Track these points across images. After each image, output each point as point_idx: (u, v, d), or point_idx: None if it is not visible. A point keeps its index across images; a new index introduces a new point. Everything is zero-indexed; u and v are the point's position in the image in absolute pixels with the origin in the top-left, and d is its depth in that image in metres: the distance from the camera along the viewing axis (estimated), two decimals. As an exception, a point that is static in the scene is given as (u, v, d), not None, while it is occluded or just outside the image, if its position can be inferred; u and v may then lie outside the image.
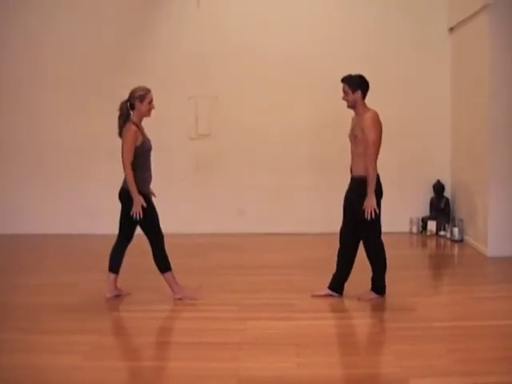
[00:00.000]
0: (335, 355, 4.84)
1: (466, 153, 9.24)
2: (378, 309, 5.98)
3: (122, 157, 6.05)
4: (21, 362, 4.73)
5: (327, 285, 6.37)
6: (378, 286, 6.24)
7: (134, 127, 6.06)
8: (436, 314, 5.85)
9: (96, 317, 5.83)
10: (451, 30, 9.73)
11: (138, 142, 6.07)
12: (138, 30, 10.07)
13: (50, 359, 4.79)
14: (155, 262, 6.26)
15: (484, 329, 5.37)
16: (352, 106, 6.20)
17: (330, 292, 6.33)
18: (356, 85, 6.16)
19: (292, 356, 4.78)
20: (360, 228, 6.19)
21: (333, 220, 9.85)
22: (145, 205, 6.04)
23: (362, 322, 5.66)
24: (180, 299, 6.26)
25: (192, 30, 9.96)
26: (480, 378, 4.33)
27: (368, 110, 6.13)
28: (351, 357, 4.80)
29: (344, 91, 6.21)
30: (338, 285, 6.34)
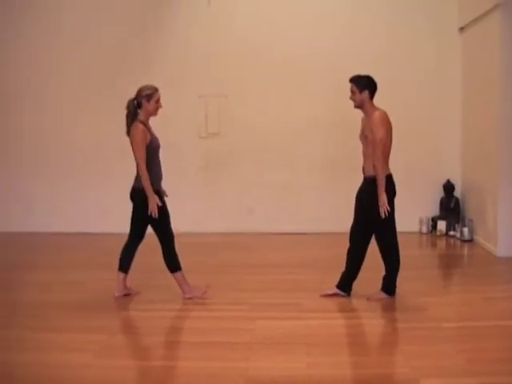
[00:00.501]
0: (345, 355, 4.84)
1: (476, 152, 9.21)
2: (388, 309, 5.96)
3: (135, 156, 6.06)
4: (30, 360, 4.75)
5: (333, 284, 6.36)
6: (389, 286, 6.22)
7: (141, 126, 6.05)
8: (446, 314, 5.83)
9: (105, 315, 5.85)
10: (461, 29, 9.69)
11: (147, 141, 6.07)
12: (147, 29, 10.07)
13: (59, 357, 4.80)
14: (165, 261, 6.25)
15: (494, 329, 5.35)
16: (359, 105, 6.21)
17: (338, 291, 6.32)
18: (363, 85, 6.17)
19: (302, 356, 4.78)
20: (374, 228, 6.19)
21: (342, 219, 9.81)
22: (160, 203, 6.06)
23: (371, 321, 5.65)
24: (190, 298, 6.27)
25: (202, 29, 9.96)
26: (490, 378, 4.32)
27: (376, 109, 6.13)
28: (361, 357, 4.80)
29: (352, 91, 6.22)
30: (346, 284, 6.33)
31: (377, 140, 5.95)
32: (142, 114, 6.13)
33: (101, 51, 10.07)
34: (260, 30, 9.92)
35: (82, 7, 10.12)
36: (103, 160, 10.12)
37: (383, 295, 6.21)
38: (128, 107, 6.14)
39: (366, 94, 6.16)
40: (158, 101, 6.17)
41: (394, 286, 6.23)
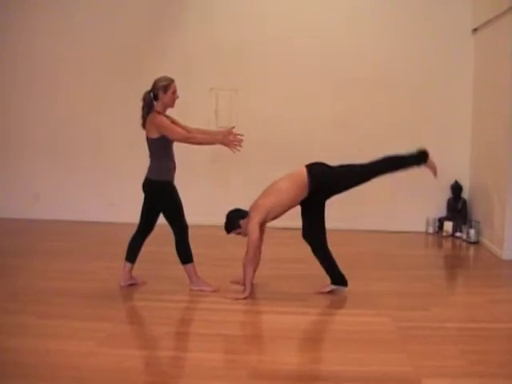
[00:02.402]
0: (348, 351, 4.84)
1: (485, 154, 9.20)
2: (393, 307, 5.95)
3: (176, 139, 6.05)
4: (31, 346, 4.77)
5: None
6: (337, 276, 6.33)
7: (161, 115, 6.07)
8: (450, 315, 5.83)
9: (110, 304, 5.87)
10: (474, 30, 9.67)
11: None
12: (160, 21, 10.10)
13: (61, 344, 4.83)
14: (177, 252, 6.26)
15: (498, 331, 5.36)
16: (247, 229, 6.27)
17: (334, 287, 6.35)
18: (235, 222, 6.34)
19: (305, 350, 4.81)
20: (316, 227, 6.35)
21: (351, 217, 9.88)
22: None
23: (375, 319, 5.63)
24: (198, 291, 6.30)
25: (215, 22, 9.98)
26: (492, 380, 4.33)
27: (247, 222, 6.23)
28: (364, 354, 4.80)
29: (238, 234, 6.38)
30: (336, 276, 6.36)
31: (249, 240, 6.13)
32: (158, 106, 6.11)
33: (113, 43, 10.09)
34: (272, 25, 9.92)
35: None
36: (113, 149, 10.16)
37: (333, 287, 6.34)
38: (144, 99, 6.11)
39: (243, 222, 6.28)
40: (174, 92, 6.15)
41: (342, 275, 6.34)
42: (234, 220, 6.32)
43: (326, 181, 6.21)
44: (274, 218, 6.30)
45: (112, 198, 10.06)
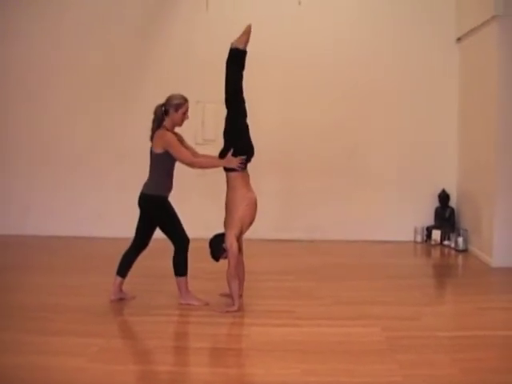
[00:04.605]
0: (339, 362, 4.84)
1: (472, 163, 9.24)
2: (382, 317, 5.97)
3: (181, 160, 6.09)
4: (23, 363, 4.75)
5: (328, 292, 6.39)
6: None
7: (170, 133, 6.10)
8: (440, 324, 5.85)
9: (101, 320, 5.85)
10: (459, 39, 9.73)
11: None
12: (146, 34, 10.08)
13: (53, 361, 4.80)
14: (173, 263, 6.26)
15: (488, 339, 5.38)
16: None
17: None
18: (219, 247, 6.34)
19: (296, 362, 4.79)
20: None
21: (338, 227, 9.88)
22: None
23: (365, 330, 5.64)
24: (186, 305, 6.29)
25: (200, 34, 9.96)
26: (484, 388, 4.36)
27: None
28: (355, 365, 4.81)
29: (226, 258, 6.31)
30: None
31: (229, 253, 6.17)
32: (167, 122, 6.16)
33: (99, 54, 10.06)
34: (259, 37, 9.83)
35: (81, 11, 10.14)
36: (99, 164, 10.07)
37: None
38: (155, 113, 6.17)
39: (224, 245, 6.25)
40: (185, 112, 6.21)
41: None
42: (218, 245, 6.32)
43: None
44: (251, 222, 6.33)
45: (99, 212, 10.01)
